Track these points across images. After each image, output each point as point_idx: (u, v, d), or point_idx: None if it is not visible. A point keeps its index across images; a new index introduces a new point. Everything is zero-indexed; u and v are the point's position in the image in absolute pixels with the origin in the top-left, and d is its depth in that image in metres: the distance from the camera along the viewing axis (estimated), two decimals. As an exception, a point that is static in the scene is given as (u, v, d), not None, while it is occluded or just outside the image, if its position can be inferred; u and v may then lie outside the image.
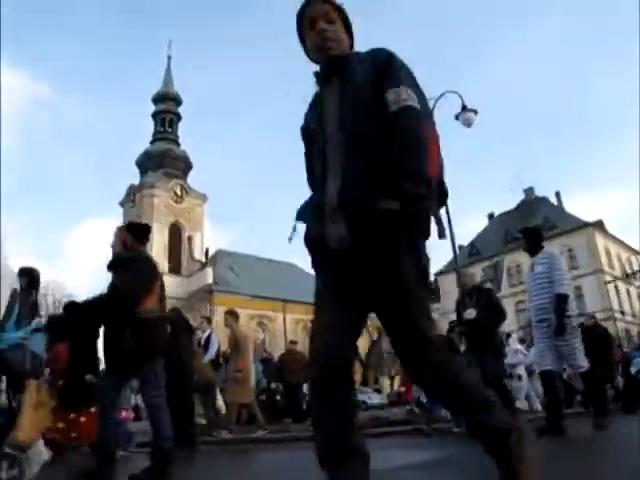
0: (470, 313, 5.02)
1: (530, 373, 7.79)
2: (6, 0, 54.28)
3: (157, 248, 41.47)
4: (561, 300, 4.27)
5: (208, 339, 7.24)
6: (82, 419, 4.68)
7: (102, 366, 4.13)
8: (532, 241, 4.77)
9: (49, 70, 79.45)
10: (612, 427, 4.27)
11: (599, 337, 7.36)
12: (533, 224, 37.04)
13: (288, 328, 39.47)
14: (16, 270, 4.97)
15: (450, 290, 30.29)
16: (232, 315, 7.32)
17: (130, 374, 3.40)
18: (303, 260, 76.40)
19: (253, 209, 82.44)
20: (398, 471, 2.95)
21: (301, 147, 1.74)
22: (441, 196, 1.50)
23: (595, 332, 7.45)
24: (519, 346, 8.26)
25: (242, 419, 8.82)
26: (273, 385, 10.35)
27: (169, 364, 5.92)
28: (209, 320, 8.25)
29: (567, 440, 4.03)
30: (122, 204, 45.55)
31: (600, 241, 37.55)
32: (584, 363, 4.35)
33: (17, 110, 72.15)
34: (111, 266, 3.33)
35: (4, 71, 70.44)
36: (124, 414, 5.34)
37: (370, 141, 1.45)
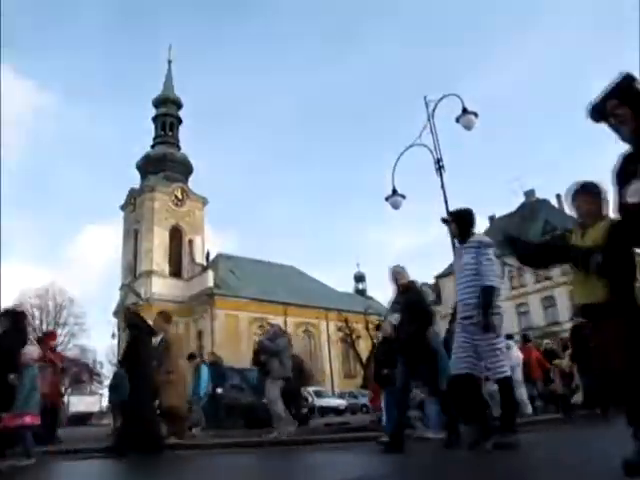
0: (396, 319, 4.32)
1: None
2: (7, 2, 54.51)
3: (158, 251, 41.49)
4: (486, 293, 3.66)
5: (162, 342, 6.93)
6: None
7: None
8: (461, 225, 4.01)
9: (50, 76, 79.67)
10: (612, 428, 4.20)
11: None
12: (533, 228, 37.10)
13: (289, 331, 39.30)
14: None
15: (450, 293, 30.24)
16: (163, 316, 7.02)
17: None
18: (303, 263, 76.29)
19: (253, 212, 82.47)
20: (391, 476, 2.95)
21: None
22: None
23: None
24: None
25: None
26: (219, 390, 9.89)
27: (132, 371, 5.76)
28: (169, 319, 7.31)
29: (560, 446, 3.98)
30: (123, 208, 45.65)
31: (601, 243, 37.38)
32: (504, 369, 3.72)
33: (18, 115, 72.36)
34: None
35: (7, 77, 70.66)
36: (28, 419, 4.76)
37: None
